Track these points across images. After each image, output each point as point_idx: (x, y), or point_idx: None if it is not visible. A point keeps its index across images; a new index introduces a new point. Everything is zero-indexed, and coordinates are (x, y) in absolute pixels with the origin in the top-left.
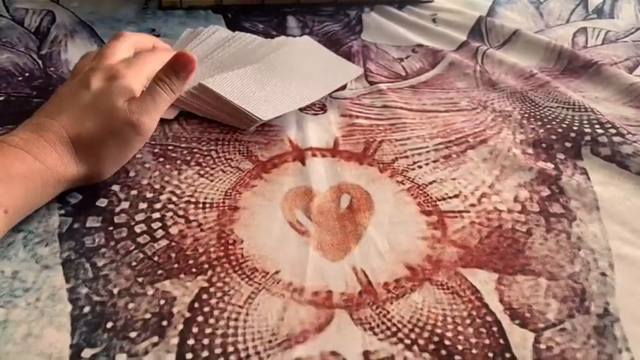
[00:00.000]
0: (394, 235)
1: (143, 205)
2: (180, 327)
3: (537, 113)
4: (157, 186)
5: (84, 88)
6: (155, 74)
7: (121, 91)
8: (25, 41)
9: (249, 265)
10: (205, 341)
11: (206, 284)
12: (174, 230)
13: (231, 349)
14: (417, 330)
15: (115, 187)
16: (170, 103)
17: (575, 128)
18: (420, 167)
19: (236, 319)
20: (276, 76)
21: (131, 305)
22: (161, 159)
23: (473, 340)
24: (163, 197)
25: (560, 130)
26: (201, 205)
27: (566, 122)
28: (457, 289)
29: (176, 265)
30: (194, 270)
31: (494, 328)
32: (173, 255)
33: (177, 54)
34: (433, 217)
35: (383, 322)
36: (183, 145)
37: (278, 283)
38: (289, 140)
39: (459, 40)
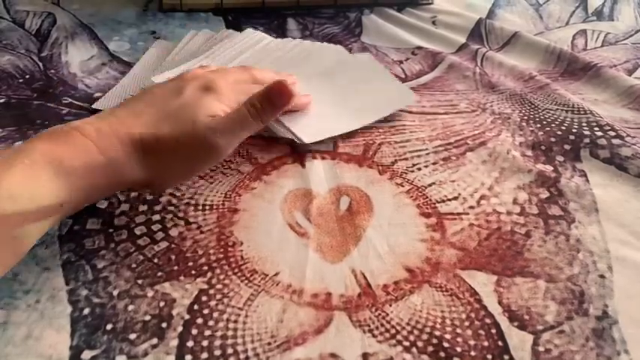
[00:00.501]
0: (393, 237)
1: (143, 207)
2: (180, 329)
3: (536, 115)
4: None
5: (177, 95)
6: (248, 98)
7: (207, 106)
8: (26, 43)
9: (248, 267)
10: (205, 343)
11: (205, 286)
12: (174, 232)
13: (230, 350)
14: (415, 332)
15: None
16: (255, 132)
17: (574, 130)
18: (419, 169)
19: (235, 321)
20: (329, 95)
21: (131, 307)
22: None
23: (471, 342)
24: (163, 199)
25: (559, 132)
26: (200, 208)
27: (566, 124)
28: (456, 291)
29: (176, 267)
30: (194, 272)
31: (493, 330)
32: (173, 257)
33: (276, 82)
34: (432, 219)
35: (382, 324)
36: None
37: (277, 285)
38: (289, 142)
39: (458, 43)
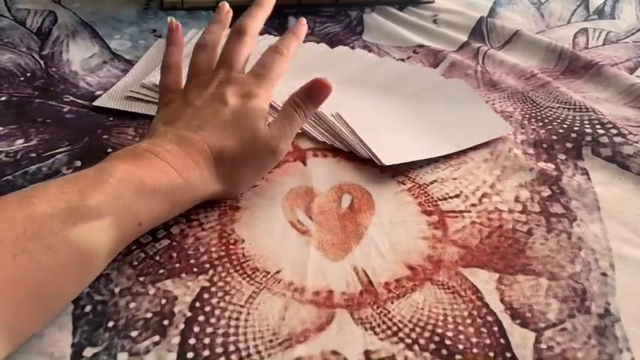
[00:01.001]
0: (395, 234)
1: None
2: (182, 326)
3: (538, 114)
4: None
5: (221, 104)
6: (291, 98)
7: (259, 113)
8: (27, 41)
9: (250, 265)
10: (206, 340)
11: (207, 284)
12: (175, 230)
13: (232, 348)
14: (417, 329)
15: None
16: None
17: (576, 129)
18: (420, 167)
19: (237, 319)
20: (416, 118)
21: (132, 304)
22: None
23: (473, 340)
24: None
25: (561, 130)
26: (202, 205)
27: (567, 123)
28: (458, 289)
29: (177, 265)
30: (195, 269)
31: (495, 328)
32: (174, 254)
33: (314, 80)
34: (434, 217)
35: (384, 322)
36: None
37: (279, 282)
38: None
39: (460, 41)
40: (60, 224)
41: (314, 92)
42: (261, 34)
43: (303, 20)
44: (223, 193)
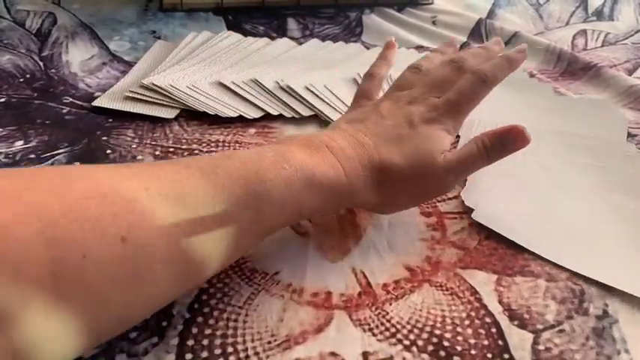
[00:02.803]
0: (394, 236)
1: None
2: (180, 327)
3: None
4: None
5: (405, 120)
6: (480, 136)
7: (442, 143)
8: (27, 43)
9: (248, 266)
10: (205, 342)
11: (205, 285)
12: None
13: (230, 349)
14: (416, 331)
15: None
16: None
17: None
18: None
19: (235, 320)
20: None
21: None
22: (162, 161)
23: (472, 341)
24: None
25: None
26: None
27: None
28: (456, 290)
29: None
30: None
31: (493, 329)
32: None
33: (514, 127)
34: (433, 219)
35: (382, 323)
36: (184, 147)
37: (277, 283)
38: None
39: (459, 42)
40: (234, 200)
41: (506, 138)
42: (260, 36)
43: (523, 46)
44: (376, 206)
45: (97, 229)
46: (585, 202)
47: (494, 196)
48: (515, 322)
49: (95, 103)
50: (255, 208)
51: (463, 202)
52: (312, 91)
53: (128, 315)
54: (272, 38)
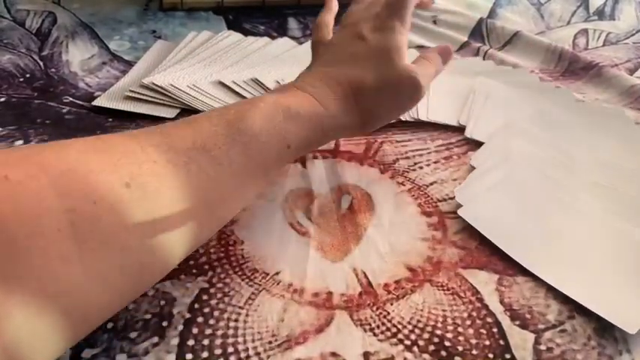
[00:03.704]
0: (395, 236)
1: None
2: (181, 327)
3: None
4: None
5: (358, 39)
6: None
7: (395, 43)
8: (27, 42)
9: (249, 266)
10: (205, 342)
11: (206, 285)
12: None
13: (231, 349)
14: (417, 331)
15: None
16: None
17: None
18: (420, 168)
19: (236, 320)
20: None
21: (131, 306)
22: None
23: (473, 341)
24: None
25: None
26: None
27: None
28: (457, 290)
29: (176, 266)
30: (194, 271)
31: (495, 329)
32: None
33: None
34: (434, 218)
35: (383, 323)
36: None
37: (278, 284)
38: None
39: (460, 41)
40: (222, 138)
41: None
42: (260, 35)
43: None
44: (361, 127)
45: (100, 177)
46: (584, 221)
47: (487, 197)
48: (517, 322)
49: (95, 102)
50: (241, 144)
51: None
52: None
53: (150, 262)
54: (272, 38)
